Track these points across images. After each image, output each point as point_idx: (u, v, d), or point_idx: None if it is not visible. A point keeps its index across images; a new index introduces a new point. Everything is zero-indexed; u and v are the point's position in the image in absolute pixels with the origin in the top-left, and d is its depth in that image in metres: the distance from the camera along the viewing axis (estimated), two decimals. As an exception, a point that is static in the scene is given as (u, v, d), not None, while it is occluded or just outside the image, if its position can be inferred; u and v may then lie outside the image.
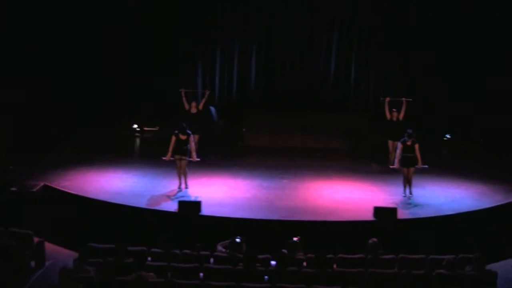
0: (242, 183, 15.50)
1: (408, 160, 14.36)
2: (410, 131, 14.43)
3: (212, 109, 20.02)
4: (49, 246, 12.12)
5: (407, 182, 14.48)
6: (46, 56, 18.28)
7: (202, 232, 12.34)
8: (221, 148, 18.99)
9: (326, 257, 9.94)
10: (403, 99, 16.91)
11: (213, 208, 13.22)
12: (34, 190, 13.68)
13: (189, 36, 20.41)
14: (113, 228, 12.64)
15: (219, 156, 17.80)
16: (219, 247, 11.01)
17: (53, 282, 9.69)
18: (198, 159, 14.55)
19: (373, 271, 9.84)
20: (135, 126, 20.65)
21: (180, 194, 14.35)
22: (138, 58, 19.80)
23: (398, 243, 11.59)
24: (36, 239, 11.58)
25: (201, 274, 9.88)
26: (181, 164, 14.44)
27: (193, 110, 17.09)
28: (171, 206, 13.40)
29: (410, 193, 14.47)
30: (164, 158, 14.50)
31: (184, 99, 17.25)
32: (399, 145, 14.55)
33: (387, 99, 17.16)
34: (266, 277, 9.77)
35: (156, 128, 20.81)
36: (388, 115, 16.84)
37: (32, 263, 11.32)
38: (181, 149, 14.35)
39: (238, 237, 10.76)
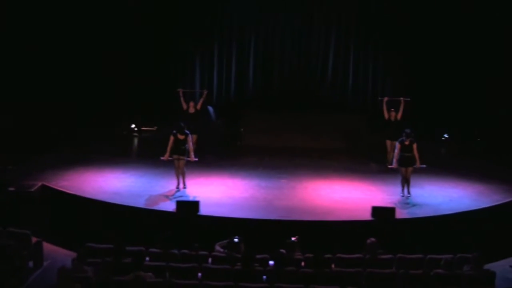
0: (240, 183, 15.50)
1: (406, 160, 14.37)
2: (408, 130, 14.44)
3: (210, 108, 20.02)
4: (47, 246, 12.10)
5: (405, 182, 14.49)
6: (45, 56, 18.33)
7: (200, 232, 12.33)
8: (219, 148, 18.98)
9: (324, 257, 9.94)
10: (401, 98, 16.92)
11: (211, 208, 13.22)
12: (32, 190, 13.65)
13: (188, 36, 20.43)
14: (111, 228, 12.62)
15: (217, 156, 17.79)
16: (217, 247, 11.02)
17: (51, 282, 9.68)
18: (196, 159, 14.54)
19: (371, 271, 9.84)
20: (133, 126, 20.65)
21: (178, 194, 14.34)
22: (138, 58, 19.81)
23: (396, 243, 11.61)
24: (34, 239, 11.56)
25: (199, 274, 9.88)
26: (179, 164, 14.43)
27: (191, 110, 17.08)
28: (169, 206, 13.39)
29: (408, 192, 14.47)
30: (162, 158, 14.48)
31: (182, 99, 17.25)
32: (397, 144, 14.55)
33: (385, 98, 17.16)
34: (264, 277, 9.77)
35: (154, 128, 20.81)
36: (386, 115, 16.84)
37: (30, 263, 11.30)
38: (179, 149, 14.33)
39: (236, 237, 10.77)
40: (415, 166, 14.37)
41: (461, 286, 9.56)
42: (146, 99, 20.02)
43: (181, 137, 14.31)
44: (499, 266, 11.47)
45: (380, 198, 14.35)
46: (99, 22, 19.34)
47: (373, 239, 10.59)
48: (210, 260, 10.48)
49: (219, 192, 14.59)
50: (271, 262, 10.26)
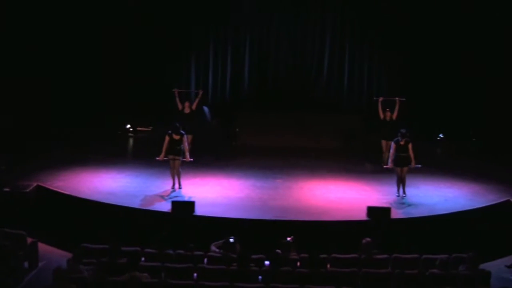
0: (235, 183, 15.49)
1: (401, 160, 14.38)
2: (403, 130, 14.44)
3: (206, 109, 20.01)
4: (42, 247, 12.07)
5: (401, 182, 14.50)
6: (45, 56, 18.37)
7: (196, 232, 12.32)
8: (215, 148, 18.95)
9: (319, 257, 9.95)
10: (397, 98, 16.93)
11: (207, 208, 13.21)
12: (27, 190, 13.65)
13: (184, 36, 20.41)
14: (107, 228, 12.59)
15: (213, 156, 17.76)
16: (213, 247, 11.01)
17: (47, 283, 9.65)
18: (192, 159, 14.52)
19: (367, 271, 9.85)
20: (129, 126, 20.63)
21: (173, 194, 14.33)
22: (134, 58, 19.81)
23: (391, 243, 11.61)
24: (29, 240, 11.55)
25: (195, 275, 9.88)
26: (174, 164, 14.42)
27: (187, 110, 17.07)
28: (165, 206, 13.38)
29: (404, 192, 14.48)
30: (157, 158, 14.47)
31: (177, 99, 17.21)
32: (393, 144, 14.56)
33: (380, 98, 17.17)
34: (260, 277, 9.77)
35: (150, 128, 20.80)
36: (381, 115, 16.85)
37: (26, 264, 11.27)
38: (175, 149, 14.32)
39: (232, 237, 10.75)
40: (410, 166, 14.38)
41: (456, 286, 9.57)
42: (142, 99, 19.99)
43: (176, 137, 14.30)
44: (494, 266, 11.51)
45: (375, 198, 14.36)
46: (99, 22, 19.40)
47: (368, 239, 10.60)
48: (205, 260, 10.47)
49: (214, 192, 14.58)
50: (266, 262, 10.25)
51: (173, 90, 17.44)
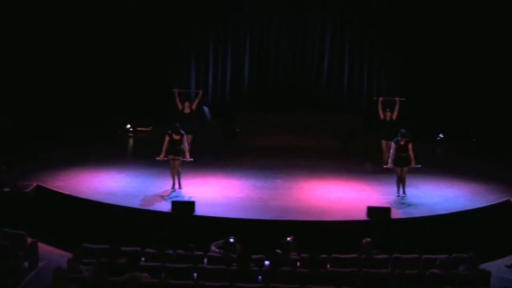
0: (235, 183, 15.49)
1: (401, 160, 14.38)
2: (403, 130, 14.44)
3: (206, 109, 20.00)
4: (42, 247, 12.07)
5: (401, 182, 14.49)
6: (45, 56, 18.37)
7: (196, 232, 12.32)
8: (215, 148, 18.94)
9: (319, 257, 9.95)
10: (397, 98, 16.92)
11: (207, 208, 13.21)
12: (27, 190, 13.65)
13: (183, 36, 20.41)
14: (107, 228, 12.60)
15: (213, 156, 17.75)
16: (213, 247, 11.01)
17: (47, 283, 9.65)
18: (192, 159, 14.52)
19: (367, 271, 9.85)
20: (129, 126, 20.62)
21: (173, 194, 14.33)
22: (135, 58, 19.81)
23: (391, 243, 11.60)
24: (29, 240, 11.55)
25: (195, 275, 9.87)
26: (174, 164, 14.42)
27: (187, 110, 17.07)
28: (165, 206, 13.38)
29: (404, 192, 14.48)
30: (157, 158, 14.47)
31: (177, 99, 17.21)
32: (393, 144, 14.56)
33: (380, 98, 17.17)
34: (260, 277, 9.77)
35: (150, 128, 20.79)
36: (381, 115, 16.84)
37: (26, 264, 11.27)
38: (175, 149, 14.32)
39: (232, 237, 10.75)
40: (410, 166, 14.38)
41: (456, 286, 9.57)
42: (142, 99, 19.99)
43: (176, 137, 14.30)
44: (494, 266, 11.51)
45: (375, 198, 14.36)
46: (99, 22, 19.41)
47: (368, 239, 10.59)
48: (205, 260, 10.47)
49: (214, 192, 14.58)
50: (266, 262, 10.25)
51: (173, 90, 17.43)
